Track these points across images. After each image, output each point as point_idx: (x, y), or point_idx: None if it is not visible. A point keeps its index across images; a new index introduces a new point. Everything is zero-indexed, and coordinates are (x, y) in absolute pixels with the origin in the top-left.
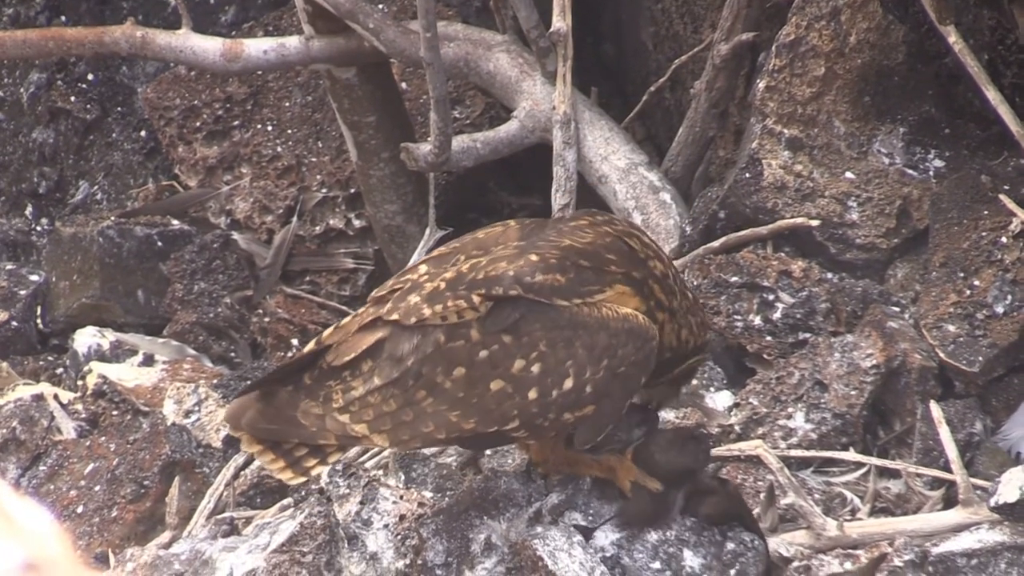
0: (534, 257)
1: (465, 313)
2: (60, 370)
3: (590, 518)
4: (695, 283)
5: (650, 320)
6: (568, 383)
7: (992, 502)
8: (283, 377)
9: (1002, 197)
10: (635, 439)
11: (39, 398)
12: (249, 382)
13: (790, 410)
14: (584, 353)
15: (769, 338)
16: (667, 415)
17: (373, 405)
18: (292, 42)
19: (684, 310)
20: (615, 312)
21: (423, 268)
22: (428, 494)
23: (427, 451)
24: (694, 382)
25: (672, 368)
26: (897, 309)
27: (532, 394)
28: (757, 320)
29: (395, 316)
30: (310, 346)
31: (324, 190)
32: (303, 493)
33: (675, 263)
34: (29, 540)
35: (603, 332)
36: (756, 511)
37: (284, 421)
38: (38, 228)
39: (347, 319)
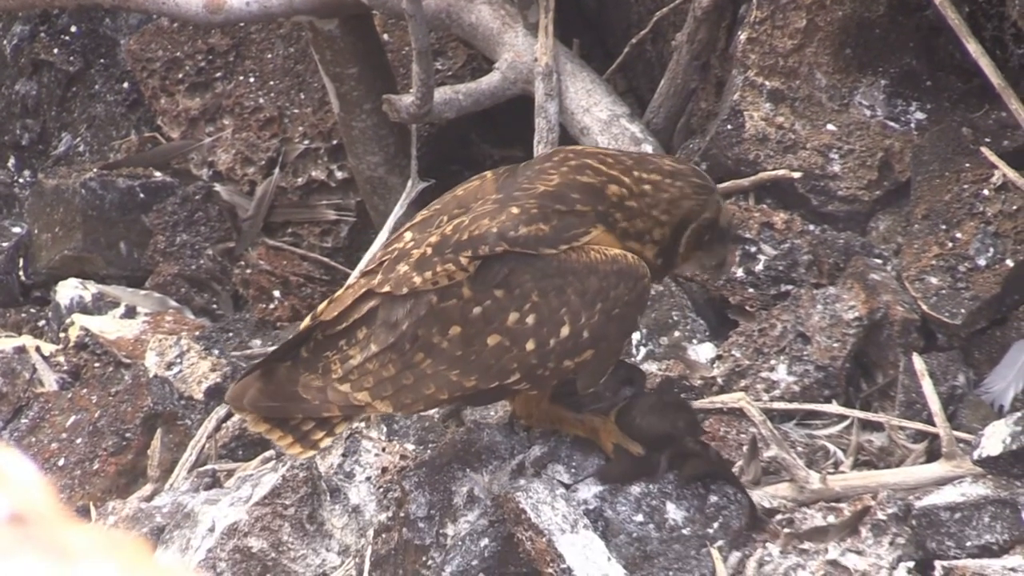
0: (515, 210)
1: (455, 275)
2: (42, 322)
3: (573, 470)
4: None
5: (638, 257)
6: (564, 330)
7: (975, 455)
8: (282, 354)
9: (983, 150)
10: (622, 398)
11: (21, 350)
12: (232, 333)
13: (772, 362)
14: (577, 299)
15: (751, 290)
16: (650, 367)
17: (372, 372)
18: None
19: (645, 218)
20: (603, 254)
21: (408, 235)
22: (410, 447)
23: None
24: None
25: (676, 254)
26: (879, 261)
27: (530, 345)
28: (739, 272)
29: (386, 288)
30: (306, 322)
31: (306, 142)
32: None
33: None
34: (14, 491)
35: (593, 276)
36: (739, 463)
37: (286, 397)
38: (20, 180)
39: (339, 292)
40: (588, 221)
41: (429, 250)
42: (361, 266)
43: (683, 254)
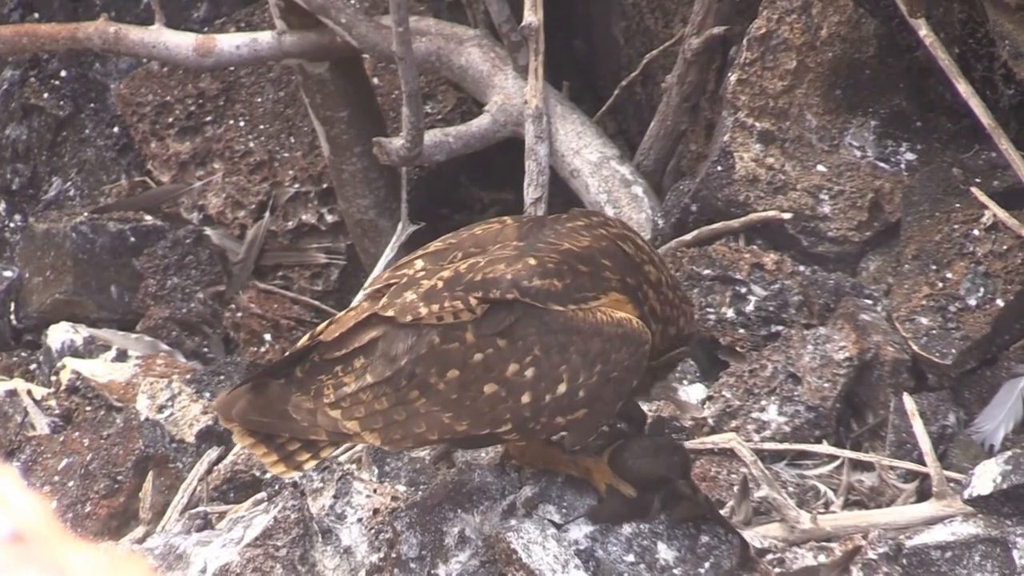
0: (532, 261)
1: (461, 314)
2: (33, 366)
3: (564, 511)
4: None
5: (644, 324)
6: (561, 388)
7: (966, 494)
8: (276, 370)
9: (973, 190)
10: (617, 437)
11: (12, 394)
12: (223, 376)
13: (763, 403)
14: (578, 358)
15: (742, 331)
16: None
17: (365, 403)
18: (264, 37)
19: (674, 310)
20: (610, 317)
21: (419, 263)
22: (402, 488)
23: None
24: (670, 375)
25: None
26: (870, 302)
27: (525, 398)
28: (730, 313)
29: (391, 312)
30: (304, 340)
31: (296, 185)
32: (276, 487)
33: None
34: (15, 511)
35: (597, 337)
36: (730, 503)
37: (275, 415)
38: (11, 224)
39: (342, 313)
40: (604, 287)
41: (440, 283)
42: (366, 286)
43: (653, 366)
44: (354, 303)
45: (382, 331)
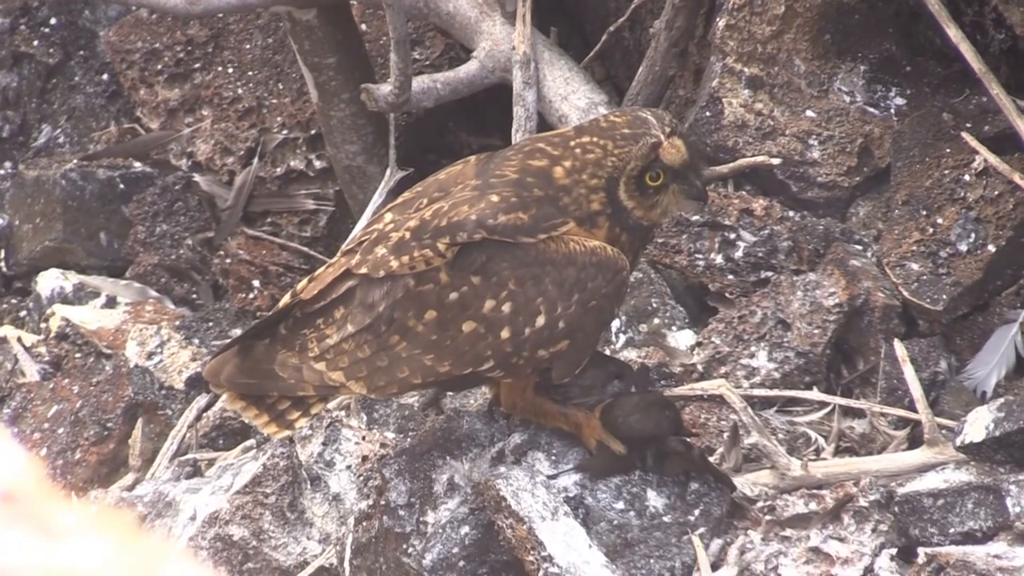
0: (495, 198)
1: (433, 261)
2: (23, 313)
3: (553, 459)
4: None
5: (619, 251)
6: (540, 320)
7: (958, 441)
8: (260, 331)
9: (964, 135)
10: (609, 393)
11: (2, 341)
12: (212, 323)
13: (752, 349)
14: (554, 289)
15: (731, 277)
16: (630, 354)
17: (348, 352)
18: None
19: (580, 179)
20: (583, 246)
21: (388, 216)
22: (390, 435)
23: None
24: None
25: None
26: (859, 247)
27: (504, 333)
28: (719, 259)
29: (364, 269)
30: (285, 299)
31: (285, 132)
32: (265, 434)
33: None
34: (2, 470)
35: (571, 267)
36: (720, 451)
37: (262, 375)
38: (1, 172)
39: (320, 270)
40: (561, 211)
41: (408, 234)
42: (343, 246)
43: (632, 209)
44: (331, 261)
45: (358, 281)
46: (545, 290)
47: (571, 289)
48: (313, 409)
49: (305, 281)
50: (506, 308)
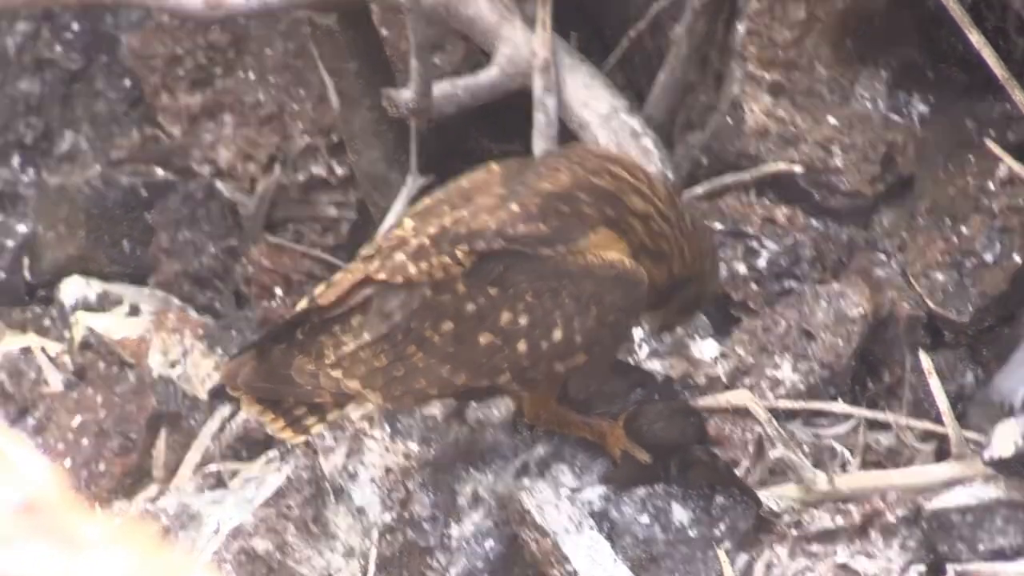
0: (515, 208)
1: (451, 269)
2: (47, 321)
3: (577, 471)
4: None
5: (637, 264)
6: (557, 333)
7: (986, 456)
8: (277, 335)
9: (988, 143)
10: (632, 403)
11: (26, 350)
12: (235, 331)
13: (777, 360)
14: (571, 302)
15: (754, 286)
16: (653, 365)
17: (364, 360)
18: None
19: (672, 244)
20: (601, 259)
21: (408, 223)
22: (414, 446)
23: None
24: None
25: (668, 299)
26: (884, 257)
27: (521, 346)
28: (742, 267)
29: (382, 275)
30: (303, 303)
31: (306, 138)
32: (289, 446)
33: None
34: (25, 480)
35: (589, 280)
36: (744, 464)
37: (279, 380)
38: (25, 178)
39: (338, 275)
40: (591, 223)
41: (427, 241)
42: (361, 251)
43: (668, 306)
44: (349, 266)
45: (375, 289)
46: (562, 303)
47: (588, 303)
48: (329, 415)
49: (323, 286)
50: (523, 321)
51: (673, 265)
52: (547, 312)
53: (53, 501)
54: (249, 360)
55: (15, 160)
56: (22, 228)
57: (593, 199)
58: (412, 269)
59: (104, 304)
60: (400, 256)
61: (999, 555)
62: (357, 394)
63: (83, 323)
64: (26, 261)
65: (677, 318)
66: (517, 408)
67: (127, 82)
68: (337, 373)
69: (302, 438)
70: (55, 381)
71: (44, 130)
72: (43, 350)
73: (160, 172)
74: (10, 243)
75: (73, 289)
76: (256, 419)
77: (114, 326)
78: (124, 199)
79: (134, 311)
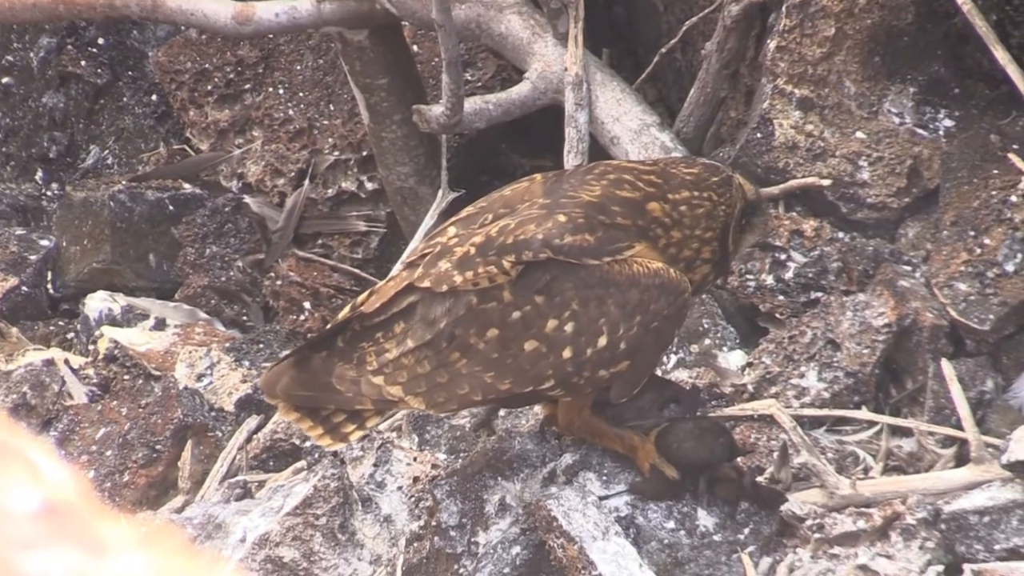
0: (562, 218)
1: (496, 278)
2: (71, 335)
3: (604, 479)
4: None
5: (680, 273)
6: (602, 340)
7: (1004, 460)
8: (317, 344)
9: (1011, 156)
10: (666, 417)
11: (50, 363)
12: (262, 345)
13: (803, 369)
14: (616, 310)
15: (781, 297)
16: (681, 375)
17: (407, 367)
18: (303, 5)
19: (694, 233)
20: (646, 268)
21: (452, 230)
22: (442, 455)
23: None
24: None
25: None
26: (908, 268)
27: (566, 353)
28: (769, 279)
29: (426, 283)
30: (345, 311)
31: (336, 153)
32: (316, 456)
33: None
34: (48, 485)
35: (634, 288)
36: (769, 470)
37: (319, 387)
38: (49, 193)
39: (382, 283)
40: (631, 235)
41: (472, 250)
42: (403, 258)
43: (733, 250)
44: (392, 274)
45: (419, 297)
46: (608, 311)
47: (633, 311)
48: (368, 423)
49: (366, 294)
50: (568, 328)
51: (703, 254)
52: (592, 320)
53: (77, 506)
54: (288, 369)
55: (39, 175)
56: (46, 242)
57: (622, 208)
58: (457, 278)
59: (129, 318)
60: (445, 264)
61: (1015, 555)
62: (399, 401)
63: (108, 336)
64: (50, 275)
65: (752, 235)
66: (546, 416)
67: (154, 97)
68: (379, 380)
69: (341, 445)
70: (79, 393)
71: (69, 144)
72: (67, 362)
73: (187, 187)
74: (34, 257)
75: (97, 303)
76: (295, 426)
77: (139, 339)
78: (150, 213)
79: (160, 325)
